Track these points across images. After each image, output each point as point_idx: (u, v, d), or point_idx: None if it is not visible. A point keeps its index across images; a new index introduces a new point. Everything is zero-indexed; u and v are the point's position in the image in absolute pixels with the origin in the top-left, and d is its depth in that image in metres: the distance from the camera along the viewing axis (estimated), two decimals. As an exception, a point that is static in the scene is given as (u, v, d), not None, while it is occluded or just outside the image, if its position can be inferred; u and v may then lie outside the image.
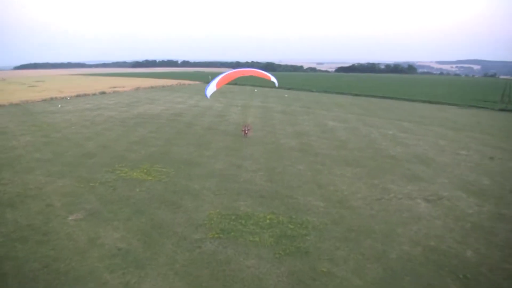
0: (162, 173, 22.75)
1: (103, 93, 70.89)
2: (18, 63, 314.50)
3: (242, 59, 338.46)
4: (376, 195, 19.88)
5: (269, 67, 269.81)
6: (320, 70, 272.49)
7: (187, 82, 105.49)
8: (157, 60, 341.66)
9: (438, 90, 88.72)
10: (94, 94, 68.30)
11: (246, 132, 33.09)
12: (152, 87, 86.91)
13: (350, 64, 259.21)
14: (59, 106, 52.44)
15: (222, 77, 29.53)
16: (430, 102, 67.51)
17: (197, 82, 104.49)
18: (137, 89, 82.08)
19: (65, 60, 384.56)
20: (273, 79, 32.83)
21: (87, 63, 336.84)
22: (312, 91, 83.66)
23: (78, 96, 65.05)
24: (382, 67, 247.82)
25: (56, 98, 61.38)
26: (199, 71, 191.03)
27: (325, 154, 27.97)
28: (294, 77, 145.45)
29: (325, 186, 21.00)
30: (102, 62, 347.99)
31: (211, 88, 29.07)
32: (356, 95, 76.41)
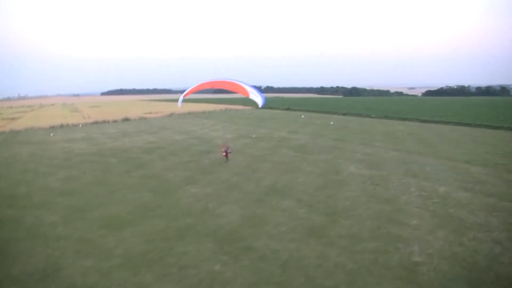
0: None
1: (126, 119, 65.43)
2: (106, 89, 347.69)
3: (327, 84, 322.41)
4: None
5: (353, 92, 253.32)
6: (407, 95, 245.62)
7: (235, 107, 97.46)
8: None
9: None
10: (114, 121, 63.09)
11: (226, 154, 28.07)
12: (189, 113, 79.99)
13: (438, 88, 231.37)
14: (51, 135, 47.28)
15: (191, 88, 26.19)
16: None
17: (248, 107, 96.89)
18: (171, 115, 75.74)
19: (151, 86, 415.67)
20: (253, 96, 23.67)
21: (173, 89, 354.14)
22: (371, 117, 67.99)
23: (95, 122, 60.29)
24: (473, 90, 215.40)
25: (67, 125, 57.26)
26: (279, 97, 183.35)
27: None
28: (367, 101, 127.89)
29: None
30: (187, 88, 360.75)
31: (181, 99, 27.81)
32: (424, 121, 58.44)
